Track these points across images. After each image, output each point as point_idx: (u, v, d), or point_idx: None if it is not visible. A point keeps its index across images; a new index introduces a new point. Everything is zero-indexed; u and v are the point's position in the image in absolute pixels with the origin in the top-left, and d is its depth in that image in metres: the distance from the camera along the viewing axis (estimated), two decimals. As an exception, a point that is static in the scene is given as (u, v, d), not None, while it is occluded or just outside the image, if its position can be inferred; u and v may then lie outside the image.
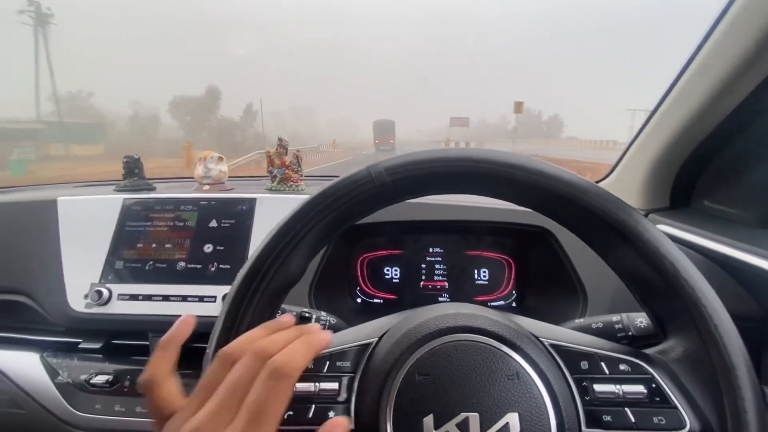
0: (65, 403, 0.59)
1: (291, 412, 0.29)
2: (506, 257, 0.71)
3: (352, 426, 0.28)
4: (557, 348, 0.31)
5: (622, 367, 0.30)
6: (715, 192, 0.62)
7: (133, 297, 0.61)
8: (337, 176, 0.31)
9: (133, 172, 0.77)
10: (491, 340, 0.30)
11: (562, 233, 0.62)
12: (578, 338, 0.32)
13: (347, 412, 0.29)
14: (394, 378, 0.29)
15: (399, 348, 0.30)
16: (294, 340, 0.26)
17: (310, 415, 0.29)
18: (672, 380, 0.29)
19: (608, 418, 0.28)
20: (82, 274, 0.62)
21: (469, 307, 0.33)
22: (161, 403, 0.25)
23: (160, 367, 0.26)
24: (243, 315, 0.29)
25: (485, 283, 0.70)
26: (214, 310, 0.59)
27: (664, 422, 0.28)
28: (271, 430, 0.22)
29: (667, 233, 0.58)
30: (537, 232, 0.64)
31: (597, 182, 0.80)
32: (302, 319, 0.43)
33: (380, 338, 0.33)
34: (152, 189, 0.75)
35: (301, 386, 0.30)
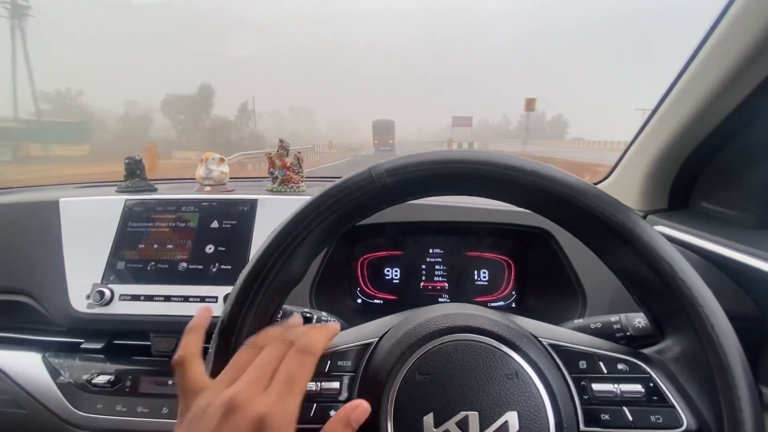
0: (67, 403, 0.60)
1: None
2: (506, 258, 0.71)
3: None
4: (556, 348, 0.31)
5: (620, 366, 0.30)
6: (713, 193, 0.62)
7: (135, 297, 0.61)
8: (338, 177, 0.31)
9: (134, 173, 0.77)
10: (491, 339, 0.30)
11: (561, 234, 0.62)
12: (577, 338, 0.33)
13: None
14: (394, 377, 0.29)
15: (399, 347, 0.30)
16: (309, 331, 0.30)
17: (312, 414, 0.29)
18: (669, 380, 0.30)
19: (606, 416, 0.29)
20: (84, 275, 0.63)
21: (468, 307, 0.34)
22: (189, 381, 0.28)
23: (190, 348, 0.29)
24: (245, 315, 0.29)
25: (485, 283, 0.71)
26: (216, 310, 0.59)
27: (661, 421, 0.28)
28: (299, 397, 0.26)
29: (665, 234, 0.59)
30: (536, 233, 0.64)
31: (596, 184, 0.81)
32: (303, 320, 0.43)
33: (381, 338, 0.33)
34: (154, 190, 0.76)
35: None
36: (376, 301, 0.72)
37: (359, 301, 0.72)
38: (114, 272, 0.63)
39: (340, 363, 0.32)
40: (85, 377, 0.61)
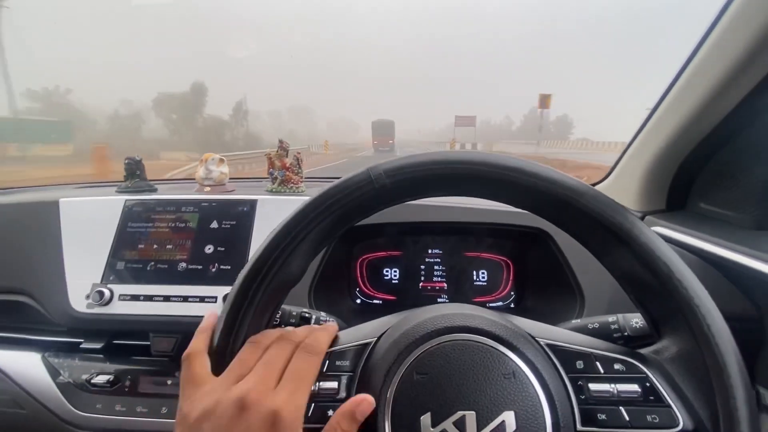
0: (66, 402, 0.60)
1: None
2: (505, 259, 0.71)
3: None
4: (553, 348, 0.31)
5: (616, 366, 0.31)
6: (711, 194, 0.62)
7: (135, 297, 0.61)
8: (337, 178, 0.31)
9: (134, 173, 0.78)
10: (488, 339, 0.30)
11: (559, 235, 0.63)
12: (574, 338, 0.33)
13: None
14: (392, 377, 0.29)
15: (397, 347, 0.31)
16: (312, 332, 0.32)
17: (310, 413, 0.29)
18: (666, 379, 0.30)
19: (603, 416, 0.29)
20: (83, 275, 0.63)
21: (466, 307, 0.34)
22: (193, 374, 0.28)
23: (199, 345, 0.30)
24: (244, 315, 0.29)
25: (484, 284, 0.71)
26: (215, 310, 0.59)
27: (657, 421, 0.28)
28: (307, 393, 0.28)
29: (663, 235, 0.59)
30: (535, 233, 0.64)
31: (594, 185, 0.81)
32: (302, 320, 0.43)
33: (379, 338, 0.33)
34: (154, 190, 0.76)
35: None
36: (375, 301, 0.72)
37: (358, 301, 0.72)
38: (114, 272, 0.63)
39: (338, 363, 0.32)
40: (84, 377, 0.61)
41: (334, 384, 0.31)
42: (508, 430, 0.27)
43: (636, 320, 0.39)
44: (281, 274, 0.30)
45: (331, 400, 0.30)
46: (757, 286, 0.48)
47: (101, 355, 0.63)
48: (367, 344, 0.33)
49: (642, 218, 0.67)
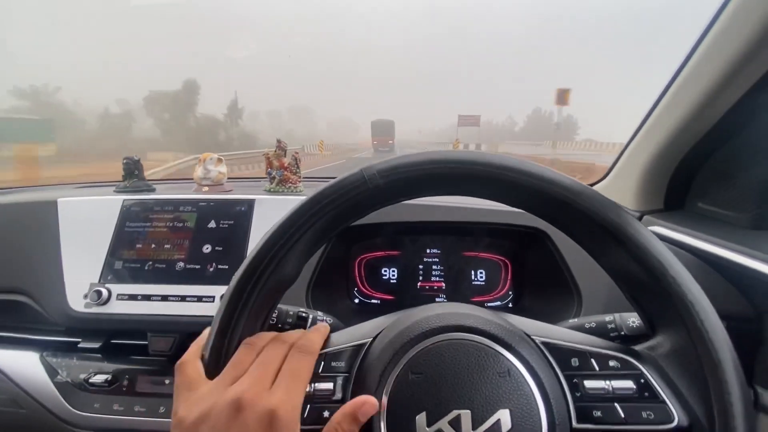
0: (64, 402, 0.60)
1: None
2: (503, 258, 0.71)
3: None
4: (548, 345, 0.31)
5: (611, 363, 0.31)
6: (709, 194, 0.62)
7: (132, 297, 0.61)
8: (335, 178, 0.31)
9: (132, 173, 0.78)
10: (482, 338, 0.30)
11: (557, 235, 0.63)
12: (568, 336, 0.33)
13: None
14: (387, 377, 0.29)
15: (392, 347, 0.31)
16: (305, 333, 0.33)
17: (305, 415, 0.29)
18: (660, 376, 0.30)
19: (598, 413, 0.29)
20: (81, 274, 0.63)
21: (461, 306, 0.34)
22: (186, 378, 0.29)
23: (193, 354, 0.31)
24: (239, 315, 0.29)
25: (482, 284, 0.71)
26: (213, 310, 0.59)
27: (652, 417, 0.28)
28: (303, 392, 0.28)
29: (661, 235, 0.59)
30: (533, 233, 0.64)
31: (592, 185, 0.81)
32: (299, 319, 0.43)
33: (374, 338, 0.33)
34: (152, 190, 0.76)
35: None
36: (373, 301, 0.72)
37: (356, 301, 0.72)
38: (111, 272, 0.63)
39: (333, 364, 0.32)
40: (82, 376, 0.61)
41: (329, 385, 0.31)
42: (504, 428, 0.27)
43: (633, 319, 0.39)
44: (276, 275, 0.30)
45: (327, 401, 0.30)
46: (755, 286, 0.48)
47: (99, 355, 0.63)
48: (362, 345, 0.33)
49: (640, 218, 0.67)
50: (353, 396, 0.30)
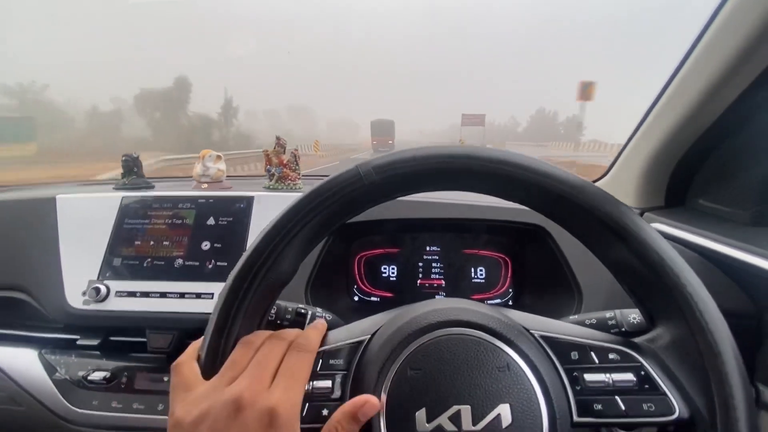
0: (63, 399, 0.60)
1: None
2: (503, 255, 0.71)
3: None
4: (547, 339, 0.31)
5: (611, 356, 0.30)
6: (709, 191, 0.62)
7: (131, 294, 0.61)
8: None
9: (132, 170, 0.77)
10: (481, 332, 0.30)
11: (557, 231, 0.62)
12: (568, 329, 0.33)
13: None
14: (386, 374, 0.29)
15: (391, 344, 0.30)
16: (303, 331, 0.32)
17: (304, 413, 0.29)
18: (661, 368, 0.30)
19: (599, 406, 0.28)
20: (80, 271, 0.63)
21: (459, 301, 0.34)
22: (183, 379, 0.28)
23: (190, 355, 0.30)
24: (236, 313, 0.29)
25: (482, 281, 0.71)
26: (211, 307, 0.59)
27: (653, 409, 0.28)
28: (302, 390, 0.28)
29: (662, 231, 0.59)
30: (533, 230, 0.64)
31: (593, 182, 0.81)
32: (298, 315, 0.43)
33: (372, 335, 0.33)
34: (151, 187, 0.76)
35: None
36: (372, 299, 0.72)
37: (356, 298, 0.72)
38: (110, 269, 0.63)
39: (332, 361, 0.31)
40: (80, 374, 0.61)
41: (328, 383, 0.30)
42: (504, 423, 0.27)
43: (633, 316, 0.39)
44: (273, 273, 0.30)
45: (326, 399, 0.30)
46: (756, 283, 0.48)
47: (98, 352, 0.63)
48: (360, 342, 0.32)
49: (641, 215, 0.67)
50: (352, 394, 0.30)
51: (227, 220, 0.65)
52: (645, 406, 0.28)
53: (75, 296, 0.61)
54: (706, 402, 0.26)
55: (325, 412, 0.29)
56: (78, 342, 0.63)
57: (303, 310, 0.44)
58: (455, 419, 0.27)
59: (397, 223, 0.68)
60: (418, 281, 0.72)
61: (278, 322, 0.42)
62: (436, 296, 0.71)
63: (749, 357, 0.47)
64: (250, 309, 0.30)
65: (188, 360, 0.30)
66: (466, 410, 0.27)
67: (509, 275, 0.71)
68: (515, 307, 0.69)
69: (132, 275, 0.62)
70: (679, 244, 0.55)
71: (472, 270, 0.71)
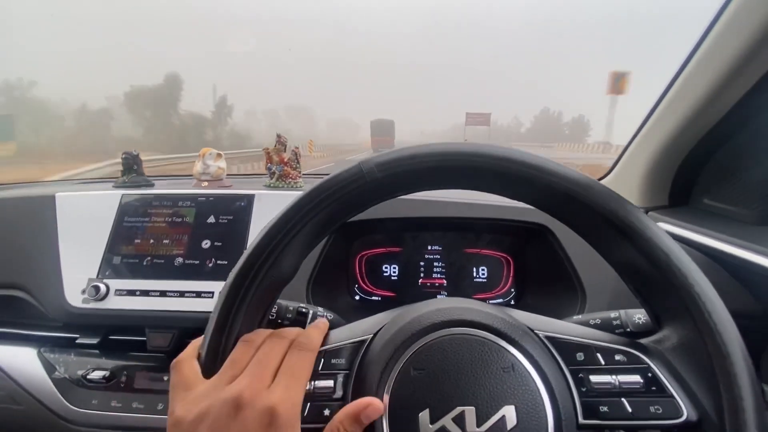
0: (62, 398, 0.59)
1: None
2: (505, 255, 0.71)
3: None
4: (552, 340, 0.31)
5: (617, 357, 0.30)
6: (714, 190, 0.62)
7: (131, 292, 0.60)
8: None
9: (131, 168, 0.77)
10: (485, 333, 0.29)
11: (560, 230, 0.62)
12: (573, 330, 0.32)
13: None
14: (389, 374, 0.29)
15: (393, 344, 0.30)
16: (304, 330, 0.32)
17: (306, 413, 0.28)
18: (668, 369, 0.29)
19: (605, 409, 0.28)
20: (79, 270, 0.62)
21: (462, 301, 0.33)
22: (182, 378, 0.28)
23: (189, 353, 0.30)
24: (236, 312, 0.29)
25: (484, 280, 0.70)
26: (212, 305, 0.58)
27: (660, 412, 0.28)
28: (303, 389, 0.27)
29: (666, 231, 0.58)
30: (536, 229, 0.64)
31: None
32: (299, 314, 0.42)
33: (375, 335, 0.32)
34: (151, 185, 0.75)
35: None
36: (374, 298, 0.71)
37: (357, 298, 0.71)
38: (110, 267, 0.62)
39: (333, 361, 0.31)
40: (80, 373, 0.60)
41: (329, 383, 0.30)
42: (509, 424, 0.26)
43: (639, 316, 0.38)
44: (274, 271, 0.29)
45: (328, 399, 0.29)
46: (761, 283, 0.47)
47: (97, 351, 0.63)
48: (363, 341, 0.32)
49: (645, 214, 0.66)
50: (354, 394, 0.29)
51: (228, 218, 0.65)
52: (652, 409, 0.28)
53: (74, 295, 0.61)
54: (715, 404, 0.26)
55: (326, 412, 0.28)
56: (77, 341, 0.63)
57: (304, 309, 0.43)
58: (459, 420, 0.26)
59: (398, 222, 0.67)
60: (420, 280, 0.71)
61: (279, 321, 0.41)
62: (438, 296, 0.71)
63: (755, 358, 0.46)
64: (250, 308, 0.29)
65: (188, 358, 0.29)
66: (470, 411, 0.27)
67: (511, 275, 0.70)
68: (517, 306, 0.69)
69: (132, 274, 0.62)
70: (684, 243, 0.54)
71: (474, 269, 0.71)
